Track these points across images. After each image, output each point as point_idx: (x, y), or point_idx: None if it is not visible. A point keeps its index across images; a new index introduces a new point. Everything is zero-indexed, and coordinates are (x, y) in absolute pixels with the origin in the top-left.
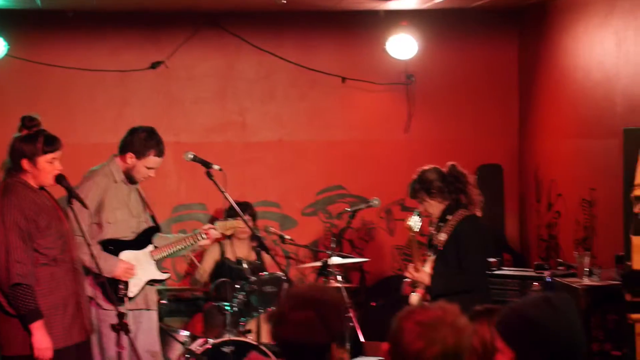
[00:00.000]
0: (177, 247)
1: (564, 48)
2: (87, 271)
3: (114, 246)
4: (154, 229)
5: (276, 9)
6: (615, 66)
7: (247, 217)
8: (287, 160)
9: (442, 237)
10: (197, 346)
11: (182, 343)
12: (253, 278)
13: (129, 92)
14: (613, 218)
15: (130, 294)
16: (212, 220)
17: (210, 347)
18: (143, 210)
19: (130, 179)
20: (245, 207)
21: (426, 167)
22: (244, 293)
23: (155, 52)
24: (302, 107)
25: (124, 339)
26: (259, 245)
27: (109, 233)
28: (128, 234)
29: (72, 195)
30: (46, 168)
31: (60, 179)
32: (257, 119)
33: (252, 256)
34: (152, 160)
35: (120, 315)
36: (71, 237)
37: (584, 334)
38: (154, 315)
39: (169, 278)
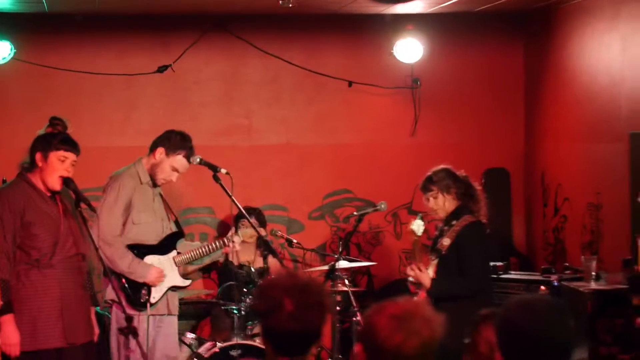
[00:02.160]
0: (200, 253)
1: (569, 52)
2: (107, 274)
3: (138, 250)
4: (178, 235)
5: (283, 12)
6: (621, 70)
7: (253, 221)
8: (293, 164)
9: (446, 241)
10: (204, 350)
11: (190, 346)
12: (260, 281)
13: (136, 95)
14: (620, 222)
15: (153, 299)
16: (220, 224)
17: (217, 350)
18: (166, 216)
19: (152, 179)
20: (253, 212)
21: (441, 166)
22: (250, 296)
23: (162, 55)
24: (308, 111)
25: (133, 343)
26: (267, 249)
27: (133, 233)
28: (152, 237)
29: (80, 199)
30: (55, 165)
31: (68, 182)
32: (264, 123)
33: (259, 260)
34: (180, 161)
35: (129, 319)
36: (74, 244)
37: (569, 337)
38: (174, 320)
39: (190, 285)
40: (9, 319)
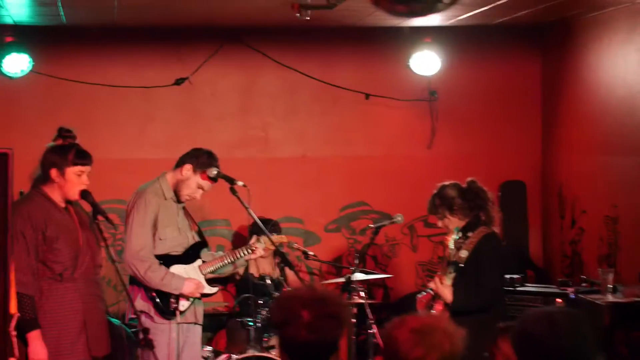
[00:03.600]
0: (224, 261)
1: (587, 65)
2: (133, 282)
3: (164, 261)
4: (202, 244)
5: (299, 24)
6: (638, 82)
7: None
8: (310, 176)
9: (464, 254)
10: None
11: (206, 359)
12: (276, 294)
13: (152, 108)
14: (637, 235)
15: (182, 307)
16: (236, 236)
17: None
18: (189, 227)
19: (176, 195)
20: (269, 223)
21: (446, 183)
22: (267, 309)
23: (178, 68)
24: (325, 123)
25: (149, 355)
26: (283, 261)
27: (159, 249)
28: (178, 251)
29: (97, 211)
30: (73, 180)
31: (85, 194)
32: (280, 135)
33: (276, 272)
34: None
35: (145, 331)
36: (91, 256)
37: (588, 348)
38: (199, 329)
39: (217, 292)
40: (36, 334)
